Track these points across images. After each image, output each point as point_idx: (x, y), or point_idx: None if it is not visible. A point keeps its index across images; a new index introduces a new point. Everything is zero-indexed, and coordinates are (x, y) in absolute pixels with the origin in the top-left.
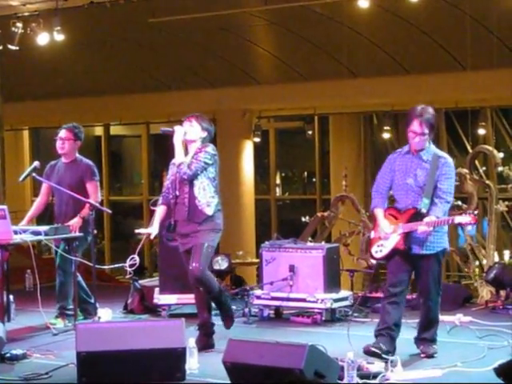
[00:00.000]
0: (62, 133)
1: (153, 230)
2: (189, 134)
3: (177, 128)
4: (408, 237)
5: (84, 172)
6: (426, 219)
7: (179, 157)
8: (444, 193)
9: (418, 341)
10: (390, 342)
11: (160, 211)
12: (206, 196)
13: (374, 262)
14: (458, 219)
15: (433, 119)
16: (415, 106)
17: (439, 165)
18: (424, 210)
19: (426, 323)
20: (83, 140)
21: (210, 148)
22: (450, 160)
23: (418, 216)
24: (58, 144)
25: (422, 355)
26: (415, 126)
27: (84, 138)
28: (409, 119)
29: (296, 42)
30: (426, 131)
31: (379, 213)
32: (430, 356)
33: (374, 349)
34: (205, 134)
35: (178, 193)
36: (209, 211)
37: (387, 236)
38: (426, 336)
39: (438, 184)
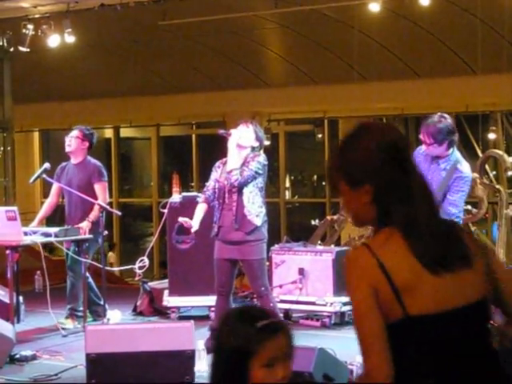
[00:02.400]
0: (73, 132)
1: (194, 226)
2: (243, 139)
3: (234, 131)
4: None
5: (92, 172)
6: None
7: (232, 163)
8: (449, 204)
9: None
10: None
11: (201, 209)
12: (255, 206)
13: None
14: None
15: (437, 131)
16: (433, 115)
17: (453, 176)
18: None
19: None
20: (94, 143)
21: (262, 158)
22: (466, 174)
23: None
24: (66, 142)
25: None
26: (422, 135)
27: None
28: (420, 128)
29: (306, 46)
30: (429, 142)
31: None
32: None
33: None
34: (257, 144)
35: (227, 200)
36: (258, 222)
37: None
38: None
39: (448, 195)
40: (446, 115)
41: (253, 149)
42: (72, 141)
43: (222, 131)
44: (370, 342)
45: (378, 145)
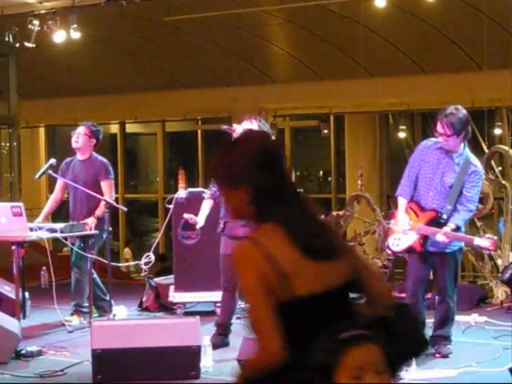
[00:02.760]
0: (80, 129)
1: (199, 222)
2: None
3: (237, 127)
4: (425, 239)
5: (99, 170)
6: (446, 228)
7: None
8: (468, 201)
9: (434, 338)
10: None
11: (207, 205)
12: None
13: (389, 252)
14: (478, 241)
15: (458, 123)
16: (447, 106)
17: (468, 171)
18: (445, 217)
19: (443, 321)
20: (101, 140)
21: None
22: (480, 169)
23: (438, 220)
24: (73, 138)
25: (437, 355)
26: (438, 126)
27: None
28: (436, 119)
29: (312, 41)
30: (449, 132)
31: (402, 203)
32: (445, 356)
33: None
34: None
35: None
36: None
37: (405, 232)
38: (442, 333)
39: (464, 191)
40: (459, 107)
41: None
42: (80, 138)
43: (225, 127)
44: (262, 322)
45: (255, 151)
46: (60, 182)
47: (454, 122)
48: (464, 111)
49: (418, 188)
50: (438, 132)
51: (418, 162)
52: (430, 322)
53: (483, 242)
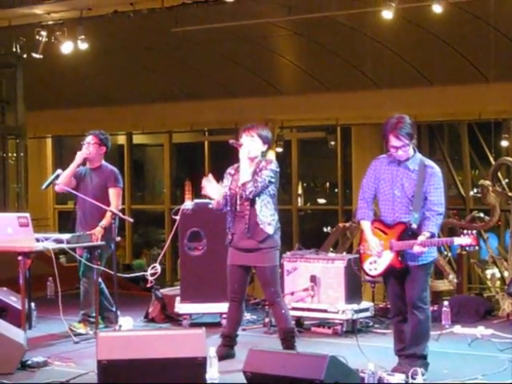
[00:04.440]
0: (89, 138)
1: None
2: (252, 152)
3: (244, 142)
4: (403, 254)
5: (108, 178)
6: (421, 238)
7: (245, 175)
8: (435, 205)
9: (404, 357)
10: None
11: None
12: (267, 214)
13: (368, 278)
14: (458, 241)
15: (410, 128)
16: (389, 118)
17: (426, 175)
18: (415, 226)
19: (415, 337)
20: (110, 147)
21: (274, 165)
22: (437, 169)
23: (408, 232)
24: (84, 147)
25: (407, 376)
26: (393, 140)
27: None
28: (385, 134)
29: (319, 53)
30: (407, 141)
31: (366, 227)
32: (413, 378)
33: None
34: (265, 148)
35: (238, 208)
36: (270, 230)
37: (379, 254)
38: (415, 351)
39: (428, 196)
40: (400, 115)
41: (263, 153)
42: (90, 147)
43: (232, 141)
44: None
45: None
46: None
47: (408, 131)
48: (407, 117)
49: (380, 207)
50: (394, 146)
51: (372, 181)
52: (435, 334)
53: (464, 239)
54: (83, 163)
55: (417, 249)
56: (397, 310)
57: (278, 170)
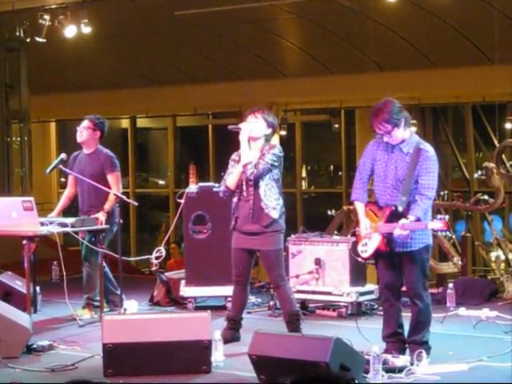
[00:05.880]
0: (84, 122)
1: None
2: (254, 131)
3: (243, 126)
4: (390, 237)
5: (104, 163)
6: (403, 221)
7: (246, 156)
8: (425, 189)
9: (409, 345)
10: (401, 346)
11: None
12: (272, 198)
13: (360, 260)
14: (431, 225)
15: (391, 116)
16: (374, 104)
17: (420, 158)
18: (400, 209)
19: (415, 325)
20: (108, 132)
21: (277, 150)
22: (432, 153)
23: (395, 215)
24: (78, 133)
25: (411, 363)
26: (375, 128)
27: (110, 130)
28: (370, 121)
29: (323, 36)
30: (388, 128)
31: (360, 208)
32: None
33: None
34: (269, 131)
35: (244, 194)
36: (275, 215)
37: (369, 236)
38: (415, 338)
39: (419, 179)
40: (387, 99)
41: (266, 136)
42: (84, 131)
43: (232, 127)
44: None
45: None
46: (71, 177)
47: (386, 118)
48: (391, 101)
49: (374, 189)
50: (377, 134)
51: (369, 161)
52: (440, 316)
53: (435, 224)
54: (79, 147)
55: (397, 232)
56: (384, 295)
57: (281, 154)
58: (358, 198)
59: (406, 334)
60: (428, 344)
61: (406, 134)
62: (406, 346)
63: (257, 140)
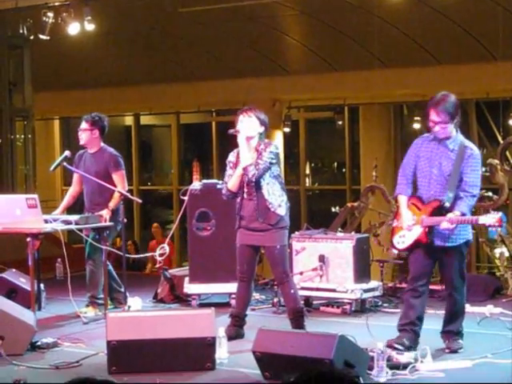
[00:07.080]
0: (81, 124)
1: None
2: (248, 131)
3: (241, 128)
4: (431, 230)
5: (108, 162)
6: (450, 215)
7: (246, 158)
8: (470, 186)
9: (443, 334)
10: (414, 337)
11: None
12: (276, 195)
13: (395, 251)
14: (482, 220)
15: (452, 107)
16: (434, 95)
17: (465, 156)
18: (448, 204)
19: (452, 315)
20: (112, 129)
21: (273, 147)
22: (476, 151)
23: (441, 210)
24: (79, 135)
25: (447, 350)
26: (432, 115)
27: (114, 127)
28: (427, 109)
29: (326, 32)
30: (446, 119)
31: (403, 201)
32: (455, 351)
33: (396, 345)
34: (262, 129)
35: (246, 194)
36: (282, 211)
37: (410, 228)
38: (452, 328)
39: (464, 177)
40: (447, 92)
41: (260, 134)
42: (82, 134)
43: (231, 130)
44: None
45: None
46: (76, 176)
47: (448, 107)
48: (453, 96)
49: (417, 184)
50: (433, 121)
51: (413, 158)
52: (443, 313)
53: (488, 219)
54: (84, 146)
55: (444, 225)
56: (411, 285)
57: (277, 151)
58: (402, 192)
59: (421, 326)
60: (463, 333)
61: (453, 131)
62: (419, 339)
63: (252, 139)
